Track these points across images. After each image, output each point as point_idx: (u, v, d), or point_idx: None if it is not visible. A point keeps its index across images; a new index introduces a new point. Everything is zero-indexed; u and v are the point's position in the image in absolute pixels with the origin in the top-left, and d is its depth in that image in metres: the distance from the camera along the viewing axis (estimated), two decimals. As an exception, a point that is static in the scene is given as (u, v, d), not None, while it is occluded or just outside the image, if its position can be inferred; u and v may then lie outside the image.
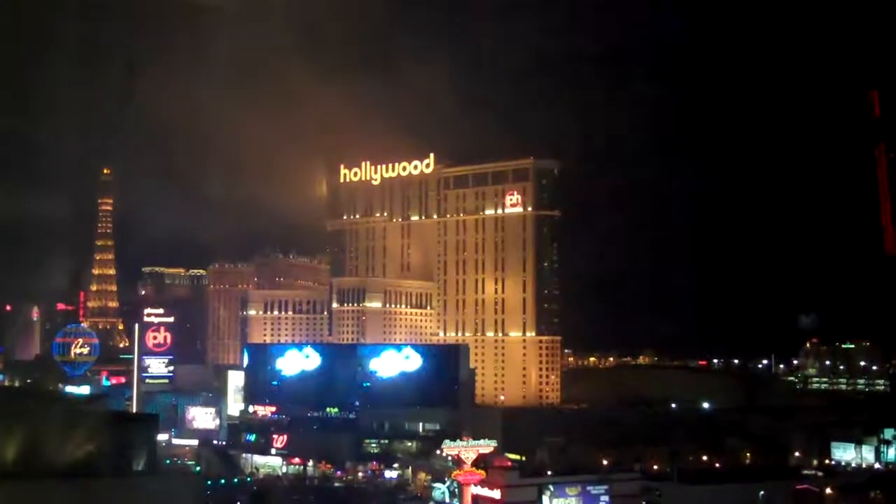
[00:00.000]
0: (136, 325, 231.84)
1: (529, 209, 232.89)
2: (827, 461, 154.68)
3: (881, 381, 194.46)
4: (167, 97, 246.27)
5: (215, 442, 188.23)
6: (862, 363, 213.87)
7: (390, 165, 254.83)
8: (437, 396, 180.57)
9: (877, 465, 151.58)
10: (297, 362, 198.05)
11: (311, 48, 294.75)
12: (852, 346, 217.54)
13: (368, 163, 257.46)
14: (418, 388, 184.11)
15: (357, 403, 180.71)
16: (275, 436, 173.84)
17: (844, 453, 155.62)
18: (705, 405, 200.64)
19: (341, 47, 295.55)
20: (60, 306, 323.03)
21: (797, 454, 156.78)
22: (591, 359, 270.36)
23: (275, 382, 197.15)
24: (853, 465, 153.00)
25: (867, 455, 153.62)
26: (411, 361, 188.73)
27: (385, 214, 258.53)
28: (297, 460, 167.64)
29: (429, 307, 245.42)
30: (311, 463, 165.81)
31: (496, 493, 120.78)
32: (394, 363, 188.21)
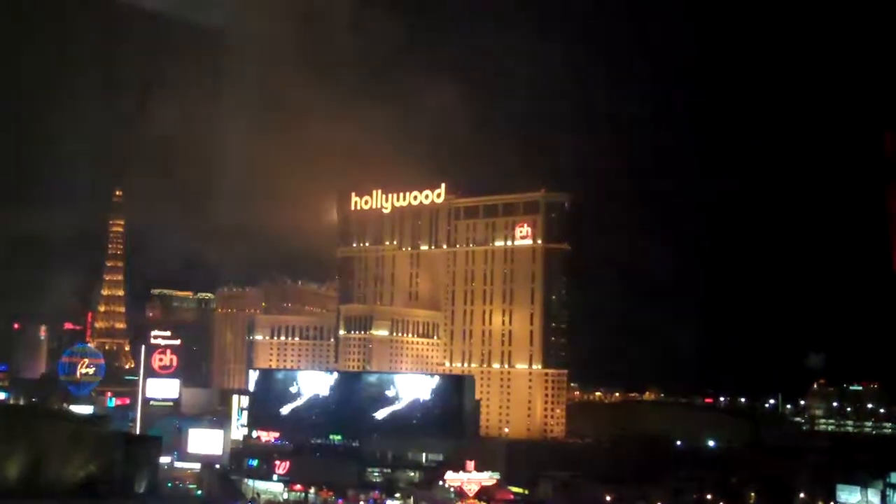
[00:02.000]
0: (143, 347, 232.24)
1: (539, 242, 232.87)
2: (832, 503, 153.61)
3: (888, 425, 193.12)
4: (179, 122, 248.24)
5: (217, 466, 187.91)
6: (870, 405, 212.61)
7: (401, 194, 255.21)
8: (441, 426, 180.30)
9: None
10: (304, 388, 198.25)
11: (321, 75, 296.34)
12: (860, 388, 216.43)
13: (380, 191, 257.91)
14: (422, 417, 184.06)
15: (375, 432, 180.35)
16: (277, 462, 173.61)
17: (850, 496, 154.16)
18: (710, 443, 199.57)
19: (353, 75, 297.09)
20: (68, 325, 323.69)
21: (802, 495, 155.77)
22: (597, 393, 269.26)
23: (280, 408, 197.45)
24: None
25: (873, 499, 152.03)
26: (418, 391, 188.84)
27: (395, 243, 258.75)
28: (298, 487, 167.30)
29: (435, 337, 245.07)
30: (312, 490, 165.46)
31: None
32: (401, 392, 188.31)
